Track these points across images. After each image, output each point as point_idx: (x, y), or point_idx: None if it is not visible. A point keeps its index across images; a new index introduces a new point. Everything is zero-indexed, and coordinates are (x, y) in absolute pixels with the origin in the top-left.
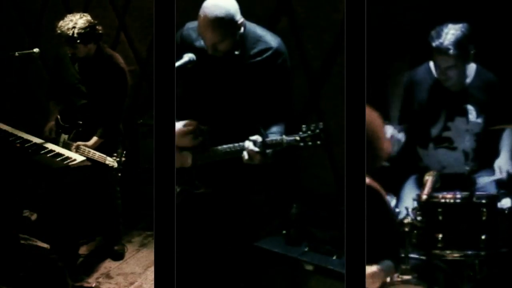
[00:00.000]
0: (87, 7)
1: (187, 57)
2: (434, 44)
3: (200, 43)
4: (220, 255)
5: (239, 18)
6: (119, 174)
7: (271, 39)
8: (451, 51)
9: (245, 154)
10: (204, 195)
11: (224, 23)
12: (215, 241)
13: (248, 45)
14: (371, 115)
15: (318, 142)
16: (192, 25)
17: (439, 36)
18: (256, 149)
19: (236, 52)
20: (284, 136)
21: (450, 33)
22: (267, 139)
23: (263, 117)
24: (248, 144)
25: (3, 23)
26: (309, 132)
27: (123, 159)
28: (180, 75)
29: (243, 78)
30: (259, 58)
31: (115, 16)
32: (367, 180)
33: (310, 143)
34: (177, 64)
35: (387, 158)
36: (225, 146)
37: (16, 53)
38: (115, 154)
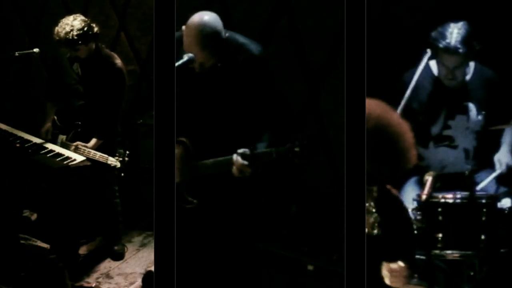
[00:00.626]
0: (87, 7)
1: (187, 56)
2: (441, 45)
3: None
4: (219, 260)
5: (224, 34)
6: (122, 174)
7: (252, 47)
8: (460, 50)
9: (234, 168)
10: (196, 209)
11: (211, 43)
12: (211, 254)
13: (230, 55)
14: (397, 123)
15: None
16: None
17: (444, 36)
18: (245, 162)
19: (219, 64)
20: (273, 148)
21: (455, 32)
22: (256, 151)
23: (250, 127)
24: (237, 158)
25: (3, 23)
26: (296, 142)
27: (126, 159)
28: (180, 75)
29: (227, 88)
30: (240, 68)
31: (115, 16)
32: (388, 186)
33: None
34: (177, 63)
35: (412, 166)
36: (213, 160)
37: (16, 53)
38: (117, 154)
